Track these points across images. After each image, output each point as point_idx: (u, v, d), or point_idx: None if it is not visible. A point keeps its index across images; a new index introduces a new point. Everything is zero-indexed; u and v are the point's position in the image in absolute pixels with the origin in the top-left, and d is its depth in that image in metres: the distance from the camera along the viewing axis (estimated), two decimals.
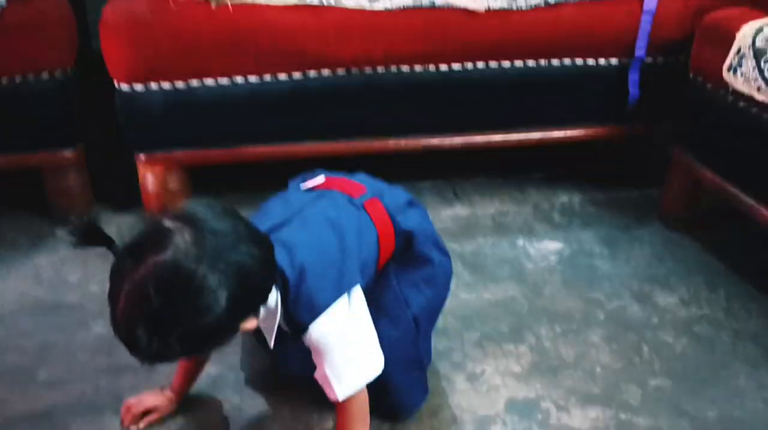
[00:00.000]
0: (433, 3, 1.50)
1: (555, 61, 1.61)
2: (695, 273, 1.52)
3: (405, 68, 1.55)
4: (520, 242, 1.60)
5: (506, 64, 1.60)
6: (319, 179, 1.15)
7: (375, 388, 1.05)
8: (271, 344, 1.00)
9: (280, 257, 0.94)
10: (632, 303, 1.43)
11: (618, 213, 1.72)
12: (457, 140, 1.68)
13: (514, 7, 1.53)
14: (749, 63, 1.37)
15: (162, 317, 0.80)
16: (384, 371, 1.05)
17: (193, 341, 0.84)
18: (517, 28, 1.55)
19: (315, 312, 0.96)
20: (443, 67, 1.57)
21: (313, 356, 1.01)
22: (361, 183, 1.15)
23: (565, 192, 1.79)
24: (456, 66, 1.58)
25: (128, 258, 0.82)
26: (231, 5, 1.43)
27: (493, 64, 1.59)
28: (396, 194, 1.16)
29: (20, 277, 1.45)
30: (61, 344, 1.29)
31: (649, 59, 1.64)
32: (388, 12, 1.49)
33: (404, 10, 1.49)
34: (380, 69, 1.54)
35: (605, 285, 1.47)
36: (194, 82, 1.48)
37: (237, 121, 1.55)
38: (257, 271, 0.87)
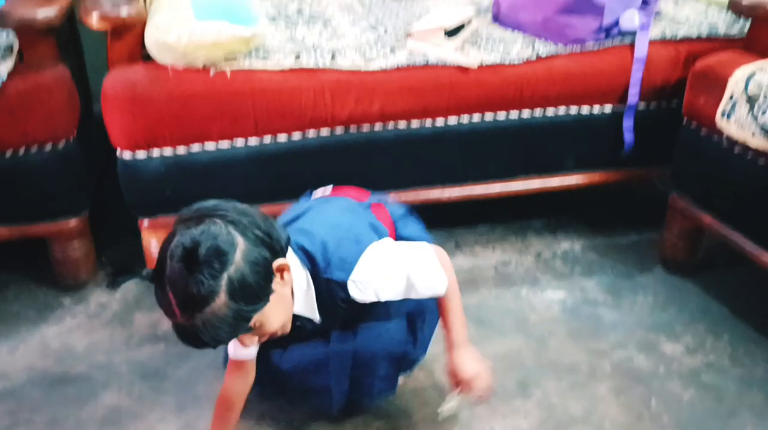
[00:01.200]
0: (427, 61, 1.53)
1: (549, 111, 1.64)
2: (699, 319, 1.52)
3: (401, 124, 1.58)
4: (524, 292, 1.61)
5: (501, 115, 1.62)
6: (328, 190, 1.29)
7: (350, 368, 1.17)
8: (317, 317, 1.12)
9: (301, 240, 1.08)
10: (638, 353, 1.43)
11: (620, 259, 1.72)
12: (456, 192, 1.69)
13: (507, 62, 1.56)
14: (742, 109, 1.38)
15: (212, 276, 0.91)
16: (369, 355, 1.17)
17: (248, 283, 0.94)
18: (510, 81, 1.57)
19: (348, 268, 1.08)
20: (439, 121, 1.59)
21: (381, 297, 1.11)
22: (367, 191, 1.31)
23: (567, 239, 1.80)
24: (451, 120, 1.60)
25: (158, 271, 0.94)
26: (229, 72, 1.46)
27: (488, 116, 1.61)
28: (396, 205, 1.31)
29: (28, 349, 1.46)
30: (71, 418, 1.30)
31: (642, 106, 1.66)
32: (383, 71, 1.51)
33: (399, 69, 1.52)
34: (377, 126, 1.56)
35: (610, 335, 1.48)
36: (195, 147, 1.50)
37: (238, 182, 1.56)
38: (259, 217, 0.99)
